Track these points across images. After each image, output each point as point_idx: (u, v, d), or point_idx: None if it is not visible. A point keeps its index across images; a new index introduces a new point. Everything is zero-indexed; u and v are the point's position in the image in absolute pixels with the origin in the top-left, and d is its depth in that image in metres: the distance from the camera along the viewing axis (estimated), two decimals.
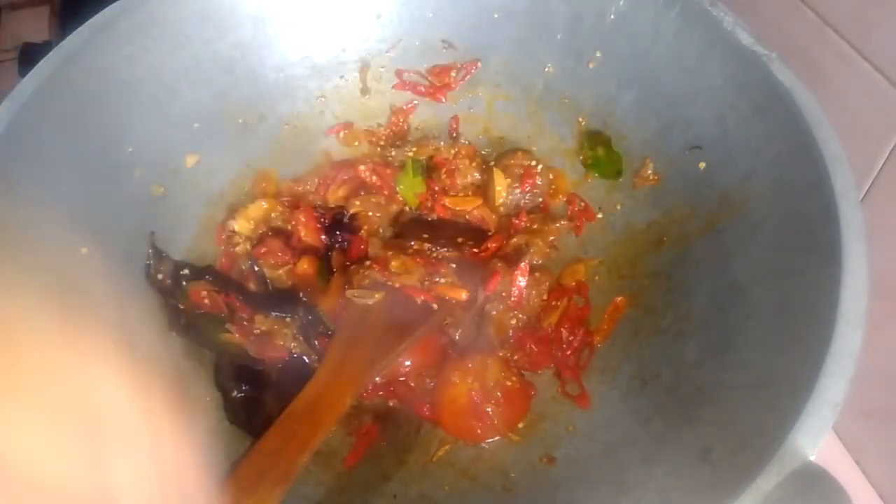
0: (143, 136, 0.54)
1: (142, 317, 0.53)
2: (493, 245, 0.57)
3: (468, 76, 0.63)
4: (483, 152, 0.64)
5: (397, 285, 0.53)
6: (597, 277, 0.57)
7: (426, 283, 0.53)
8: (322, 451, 0.50)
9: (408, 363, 0.52)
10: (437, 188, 0.60)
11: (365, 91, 0.64)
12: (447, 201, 0.60)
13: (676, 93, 0.52)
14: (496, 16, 0.60)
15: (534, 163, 0.60)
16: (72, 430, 0.23)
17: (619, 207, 0.58)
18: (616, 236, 0.57)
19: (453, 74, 0.63)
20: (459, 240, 0.57)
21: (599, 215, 0.59)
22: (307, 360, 0.54)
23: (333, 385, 0.46)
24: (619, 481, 0.43)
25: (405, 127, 0.65)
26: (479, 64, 0.63)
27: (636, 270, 0.55)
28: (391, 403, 0.53)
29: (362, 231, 0.59)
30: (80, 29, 0.51)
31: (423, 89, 0.64)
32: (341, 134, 0.64)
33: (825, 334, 0.34)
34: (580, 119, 0.61)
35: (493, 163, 0.62)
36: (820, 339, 0.35)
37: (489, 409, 0.49)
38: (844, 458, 0.58)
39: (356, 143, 0.65)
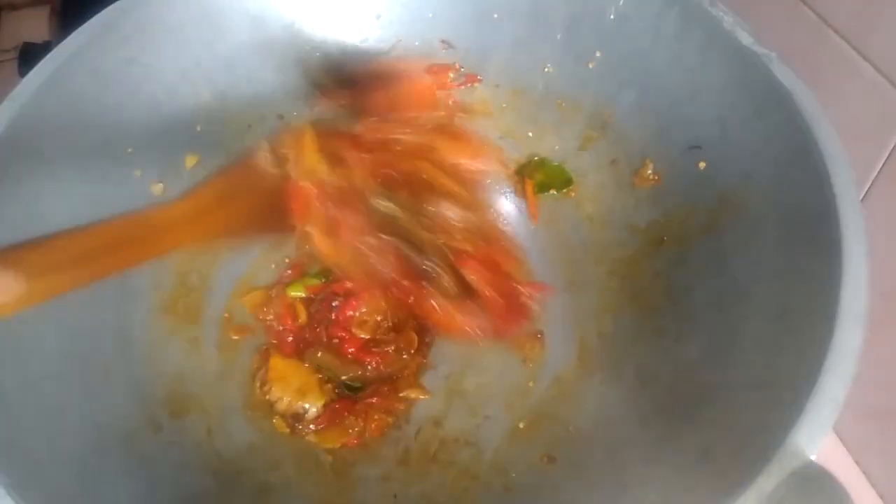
0: (143, 137, 0.55)
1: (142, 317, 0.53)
2: None
3: (468, 85, 0.63)
4: None
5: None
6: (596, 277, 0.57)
7: None
8: (321, 453, 0.50)
9: None
10: None
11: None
12: None
13: (676, 93, 0.52)
14: (496, 16, 0.60)
15: None
16: None
17: (619, 207, 0.58)
18: (616, 236, 0.57)
19: (451, 76, 0.63)
20: None
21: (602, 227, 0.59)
22: None
23: (193, 221, 0.41)
24: (619, 481, 0.43)
25: None
26: (480, 78, 0.63)
27: (636, 270, 0.55)
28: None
29: None
30: (80, 29, 0.51)
31: None
32: None
33: (826, 334, 0.34)
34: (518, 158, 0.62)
35: None
36: (820, 338, 0.35)
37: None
38: (844, 458, 0.58)
39: None
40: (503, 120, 0.64)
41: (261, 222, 0.44)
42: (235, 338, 0.56)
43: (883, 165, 0.49)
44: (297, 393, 0.52)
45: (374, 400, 0.51)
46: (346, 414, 0.51)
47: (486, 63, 0.63)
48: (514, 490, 0.47)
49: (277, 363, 0.53)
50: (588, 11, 0.56)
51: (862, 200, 0.50)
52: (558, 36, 0.59)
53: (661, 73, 0.53)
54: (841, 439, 0.58)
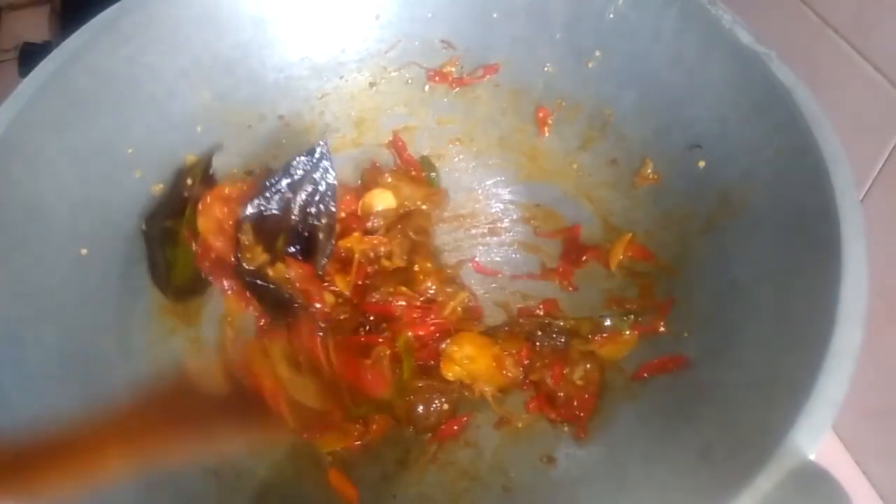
0: (143, 137, 0.55)
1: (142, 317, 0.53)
2: None
3: (486, 77, 0.63)
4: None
5: None
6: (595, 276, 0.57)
7: None
8: (321, 454, 0.50)
9: None
10: None
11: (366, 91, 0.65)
12: None
13: (676, 92, 0.52)
14: (495, 16, 0.60)
15: None
16: None
17: (618, 207, 0.58)
18: (616, 236, 0.57)
19: (453, 69, 0.64)
20: None
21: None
22: None
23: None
24: (619, 481, 0.43)
25: None
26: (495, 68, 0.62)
27: (636, 270, 0.55)
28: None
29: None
30: (80, 30, 0.51)
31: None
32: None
33: (825, 333, 0.34)
34: None
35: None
36: (820, 337, 0.35)
37: None
38: (844, 457, 0.58)
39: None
40: (503, 121, 0.64)
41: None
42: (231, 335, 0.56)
43: (883, 165, 0.49)
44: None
45: None
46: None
47: (486, 63, 0.63)
48: (514, 490, 0.47)
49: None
50: (587, 11, 0.56)
51: (862, 200, 0.50)
52: (558, 35, 0.59)
53: (660, 72, 0.53)
54: (841, 439, 0.58)
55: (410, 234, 0.57)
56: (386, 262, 0.56)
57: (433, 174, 0.63)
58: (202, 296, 0.56)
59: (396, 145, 0.64)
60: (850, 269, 0.36)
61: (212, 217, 0.54)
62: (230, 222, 0.54)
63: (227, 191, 0.55)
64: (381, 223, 0.58)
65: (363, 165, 0.63)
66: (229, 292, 0.55)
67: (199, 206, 0.54)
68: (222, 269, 0.54)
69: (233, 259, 0.53)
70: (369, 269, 0.56)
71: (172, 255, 0.55)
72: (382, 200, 0.58)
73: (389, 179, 0.60)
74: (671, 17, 0.52)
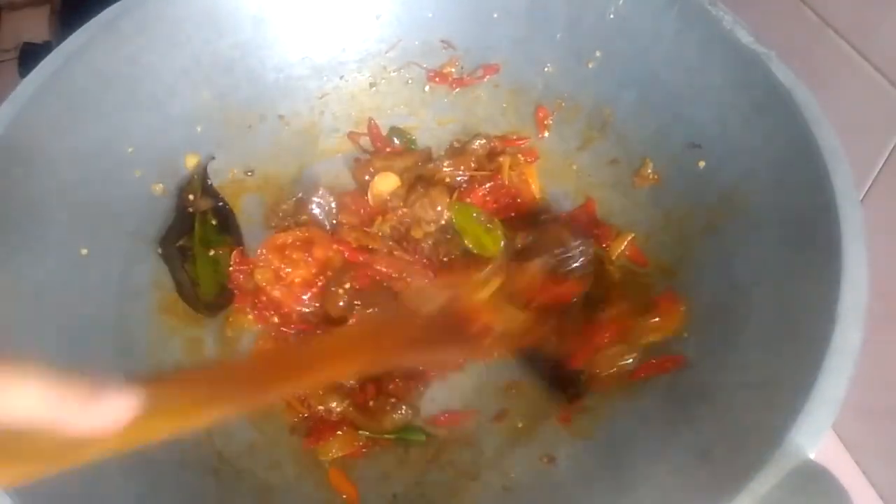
0: (143, 137, 0.55)
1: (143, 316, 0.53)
2: None
3: (485, 78, 0.63)
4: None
5: None
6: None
7: None
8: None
9: None
10: None
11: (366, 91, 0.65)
12: None
13: (676, 92, 0.52)
14: (496, 16, 0.60)
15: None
16: None
17: (618, 207, 0.58)
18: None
19: (453, 70, 0.64)
20: None
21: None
22: None
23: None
24: (618, 481, 0.43)
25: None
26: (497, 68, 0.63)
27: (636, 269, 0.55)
28: None
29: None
30: (80, 30, 0.51)
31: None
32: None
33: (825, 333, 0.34)
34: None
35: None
36: (820, 337, 0.35)
37: None
38: (844, 457, 0.58)
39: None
40: (502, 120, 0.64)
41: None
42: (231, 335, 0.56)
43: (883, 165, 0.49)
44: None
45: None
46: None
47: (486, 63, 0.63)
48: (514, 490, 0.47)
49: None
50: (587, 11, 0.57)
51: (862, 200, 0.50)
52: (558, 36, 0.59)
53: (660, 72, 0.53)
54: (841, 439, 0.58)
55: (430, 193, 0.57)
56: (417, 234, 0.56)
57: (410, 138, 0.64)
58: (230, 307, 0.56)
59: (372, 132, 0.64)
60: (850, 269, 0.36)
61: (268, 268, 0.54)
62: (287, 271, 0.54)
63: (280, 240, 0.55)
64: (398, 203, 0.58)
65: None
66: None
67: (258, 261, 0.55)
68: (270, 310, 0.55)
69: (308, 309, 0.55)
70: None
71: (193, 272, 0.56)
72: (387, 183, 0.59)
73: (379, 164, 0.60)
74: (671, 18, 0.52)
